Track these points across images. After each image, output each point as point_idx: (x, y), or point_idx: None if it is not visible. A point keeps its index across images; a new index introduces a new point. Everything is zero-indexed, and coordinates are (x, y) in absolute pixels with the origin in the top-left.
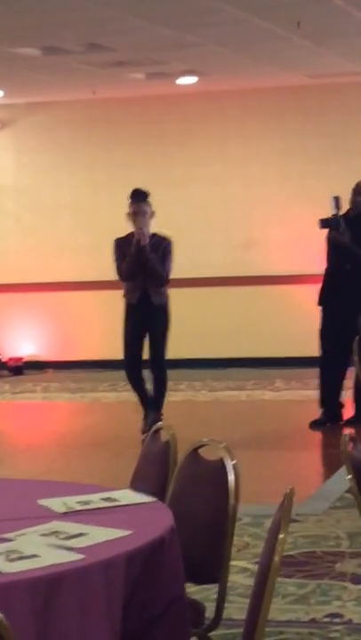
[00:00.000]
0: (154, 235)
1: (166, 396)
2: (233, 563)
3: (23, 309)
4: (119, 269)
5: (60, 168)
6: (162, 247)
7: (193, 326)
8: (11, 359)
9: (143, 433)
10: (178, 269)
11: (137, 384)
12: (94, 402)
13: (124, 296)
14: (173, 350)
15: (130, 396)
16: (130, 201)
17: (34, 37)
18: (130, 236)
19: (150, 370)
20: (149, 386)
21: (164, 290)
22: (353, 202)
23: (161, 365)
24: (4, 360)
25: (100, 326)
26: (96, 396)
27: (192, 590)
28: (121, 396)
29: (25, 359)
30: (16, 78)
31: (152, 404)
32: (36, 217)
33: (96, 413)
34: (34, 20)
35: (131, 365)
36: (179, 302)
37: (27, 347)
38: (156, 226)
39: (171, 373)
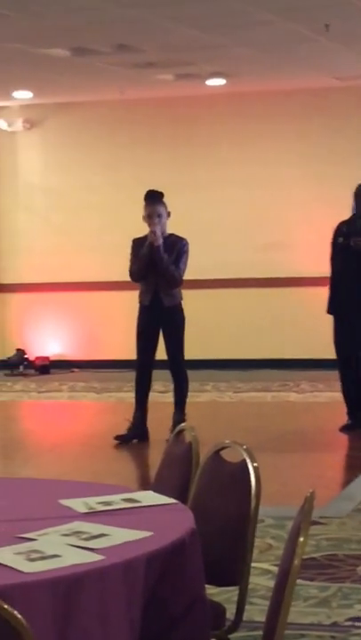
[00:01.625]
0: (170, 235)
1: (189, 396)
2: (255, 565)
3: (50, 309)
4: (130, 270)
5: (88, 168)
6: (177, 248)
7: (219, 328)
8: (37, 358)
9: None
10: (204, 271)
11: (141, 392)
12: (120, 401)
13: (139, 298)
14: (199, 351)
15: (155, 396)
16: (145, 203)
17: (62, 38)
18: (147, 236)
19: (170, 371)
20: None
21: (177, 291)
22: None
23: (180, 367)
24: (30, 359)
25: (126, 326)
26: (121, 396)
27: (213, 592)
28: (156, 397)
29: (51, 358)
30: (45, 79)
31: (175, 406)
32: (64, 217)
33: (121, 413)
34: (62, 21)
35: (141, 374)
36: (204, 304)
37: (53, 346)
38: (180, 227)
39: (196, 374)
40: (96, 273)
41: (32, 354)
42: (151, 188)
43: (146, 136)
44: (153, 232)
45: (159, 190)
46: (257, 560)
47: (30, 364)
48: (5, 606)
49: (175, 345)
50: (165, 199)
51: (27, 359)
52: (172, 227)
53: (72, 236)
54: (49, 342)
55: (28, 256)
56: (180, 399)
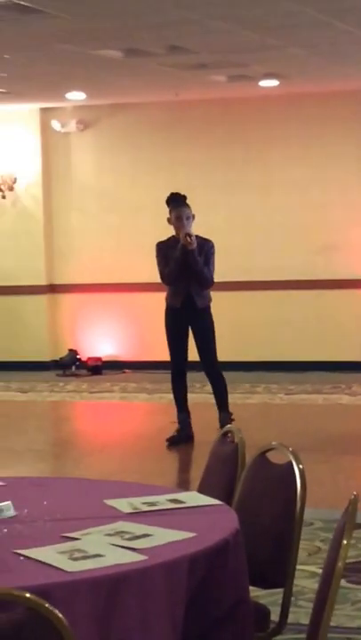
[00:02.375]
0: (196, 237)
1: (240, 398)
2: (303, 567)
3: (102, 309)
4: (162, 274)
5: (141, 169)
6: (205, 250)
7: (271, 330)
8: (89, 359)
9: (175, 435)
10: (256, 273)
11: (180, 393)
12: (171, 403)
13: (166, 300)
14: (251, 353)
15: (206, 398)
16: (170, 206)
17: (115, 39)
18: (171, 239)
19: (205, 374)
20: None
21: (208, 292)
22: None
23: (215, 368)
24: (82, 360)
25: None
26: (173, 397)
27: (259, 594)
28: (197, 398)
29: (103, 359)
30: (98, 80)
31: (218, 406)
32: (116, 218)
33: (172, 414)
34: (115, 22)
35: (178, 377)
36: (257, 306)
37: (105, 347)
38: (234, 229)
39: (248, 376)
40: (149, 274)
41: (84, 354)
42: (174, 192)
43: (200, 137)
44: (188, 235)
45: (183, 193)
46: (305, 562)
47: (82, 365)
48: (47, 605)
49: (210, 346)
50: (218, 201)
51: (79, 360)
52: (226, 228)
53: (125, 237)
54: (101, 343)
55: (80, 257)
56: (222, 400)
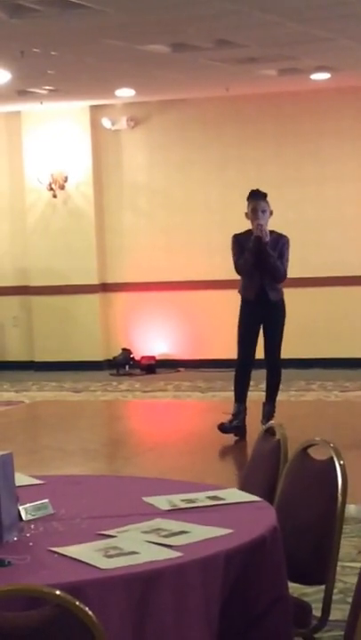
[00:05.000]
0: (271, 232)
1: (295, 395)
2: (351, 564)
3: (155, 308)
4: (237, 264)
5: (193, 166)
6: (280, 244)
7: (327, 326)
8: (143, 358)
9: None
10: (312, 269)
11: (241, 386)
12: (225, 401)
13: (240, 292)
14: (307, 350)
15: (260, 395)
16: (248, 200)
17: (162, 34)
18: (248, 232)
19: (266, 366)
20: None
21: (281, 286)
22: None
23: (278, 362)
24: (136, 359)
25: (231, 325)
26: (227, 395)
27: (307, 591)
28: (251, 396)
29: (157, 358)
30: (147, 76)
31: (267, 396)
32: (169, 215)
33: (227, 409)
34: (160, 15)
35: (243, 369)
36: (312, 302)
37: (159, 345)
38: (288, 224)
39: (303, 373)
40: (201, 272)
41: (138, 353)
42: (254, 188)
43: (251, 133)
44: (260, 225)
45: (263, 191)
46: (355, 560)
47: (136, 364)
48: (77, 602)
49: (277, 340)
50: (272, 195)
51: (132, 359)
52: (280, 223)
53: (177, 235)
54: (155, 342)
55: (133, 255)
56: (273, 392)
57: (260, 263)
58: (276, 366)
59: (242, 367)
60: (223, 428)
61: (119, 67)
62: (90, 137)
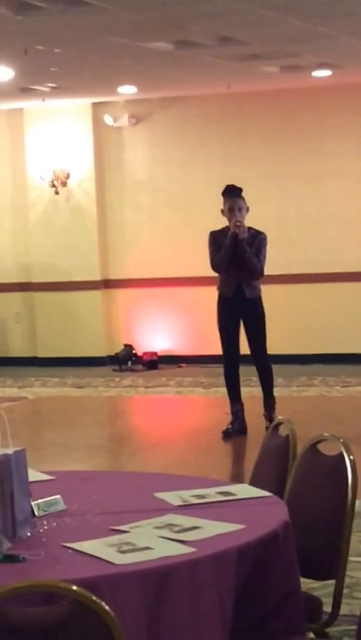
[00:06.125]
0: (249, 228)
1: (296, 390)
2: (358, 559)
3: (157, 304)
4: (212, 261)
5: (194, 163)
6: (257, 241)
7: (328, 322)
8: (145, 354)
9: (229, 428)
10: (313, 265)
11: (233, 385)
12: (227, 396)
13: (218, 289)
14: (308, 346)
15: (256, 391)
16: (224, 197)
17: (165, 31)
18: (225, 229)
19: (255, 365)
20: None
21: (258, 283)
22: None
23: (265, 359)
24: (138, 355)
25: None
26: (226, 389)
27: (315, 586)
28: (252, 392)
29: (159, 354)
30: (149, 73)
31: (264, 391)
32: (170, 211)
33: (227, 407)
34: (163, 13)
35: (230, 367)
36: (314, 297)
37: (161, 341)
38: (289, 220)
39: (305, 369)
40: (203, 268)
41: (140, 349)
42: (230, 184)
43: (253, 130)
44: (239, 222)
45: (238, 186)
46: None
47: (138, 360)
48: (93, 597)
49: (259, 337)
50: (272, 192)
51: (135, 354)
52: (281, 220)
53: (179, 231)
54: (157, 338)
55: (135, 252)
56: (268, 386)
57: (236, 260)
58: (263, 362)
59: (229, 365)
60: (227, 434)
61: (122, 64)
62: (92, 134)
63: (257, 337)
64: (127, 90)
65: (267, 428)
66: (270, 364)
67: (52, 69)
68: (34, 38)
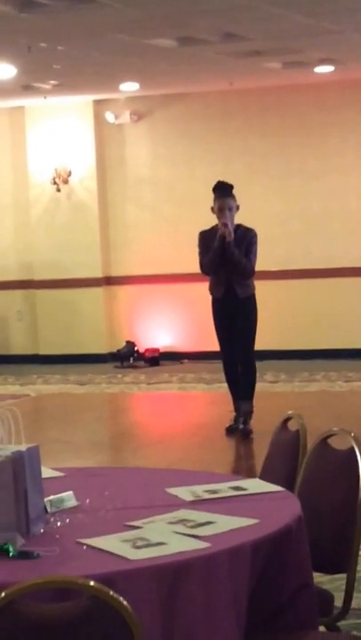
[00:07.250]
0: (238, 226)
1: (299, 386)
2: None
3: (159, 300)
4: (201, 263)
5: (197, 159)
6: (247, 239)
7: (330, 317)
8: (147, 350)
9: (233, 425)
10: (315, 260)
11: (233, 384)
12: (229, 392)
13: (209, 291)
14: (311, 341)
15: (264, 387)
16: (214, 195)
17: (169, 28)
18: (215, 228)
19: (240, 362)
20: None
21: (251, 282)
22: None
23: (251, 358)
24: (140, 351)
25: None
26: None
27: (325, 580)
28: (257, 387)
29: (161, 350)
30: (152, 70)
31: (243, 395)
32: (172, 208)
33: (230, 403)
34: (167, 9)
35: (229, 366)
36: (316, 293)
37: (163, 338)
38: (291, 216)
39: (307, 364)
40: None
41: (142, 346)
42: (221, 180)
43: (255, 126)
44: (225, 225)
45: (229, 183)
46: None
47: (140, 356)
48: (111, 593)
49: (248, 336)
50: (274, 189)
51: (137, 351)
52: (283, 216)
53: (181, 228)
54: (159, 334)
55: (136, 248)
56: (249, 389)
57: (225, 261)
58: (248, 363)
59: (227, 364)
60: (231, 430)
61: (125, 60)
62: (93, 131)
63: (243, 334)
64: (129, 87)
65: (244, 437)
66: (255, 363)
67: (54, 66)
68: (38, 35)
